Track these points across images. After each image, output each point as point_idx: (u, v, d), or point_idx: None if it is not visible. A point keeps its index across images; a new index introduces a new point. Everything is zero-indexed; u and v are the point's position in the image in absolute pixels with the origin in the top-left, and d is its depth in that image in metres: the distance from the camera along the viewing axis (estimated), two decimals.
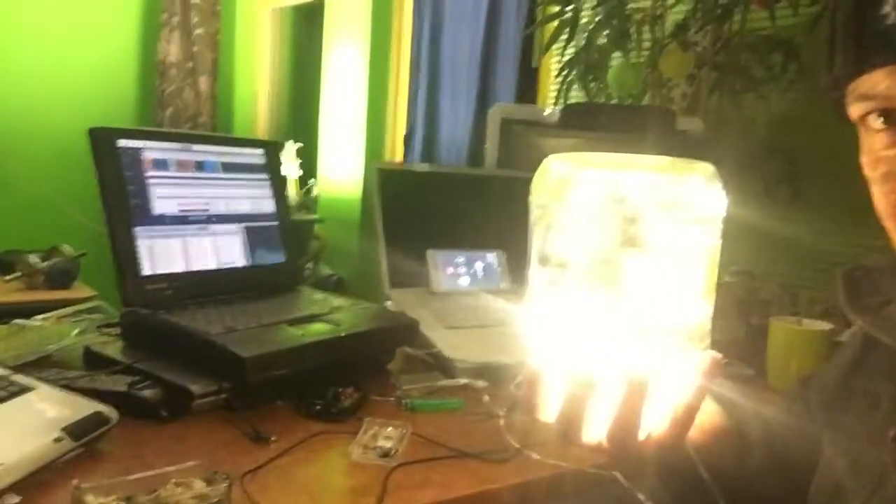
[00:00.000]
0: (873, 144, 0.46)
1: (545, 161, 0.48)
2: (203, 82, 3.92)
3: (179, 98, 3.86)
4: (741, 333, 1.60)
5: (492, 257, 1.37)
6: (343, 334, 0.95)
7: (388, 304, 1.22)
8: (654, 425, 0.46)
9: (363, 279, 2.61)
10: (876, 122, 0.45)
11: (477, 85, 3.30)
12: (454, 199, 1.39)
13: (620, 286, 0.43)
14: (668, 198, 0.44)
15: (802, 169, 1.86)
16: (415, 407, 0.91)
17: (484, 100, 3.30)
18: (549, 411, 0.46)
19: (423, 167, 1.37)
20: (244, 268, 1.12)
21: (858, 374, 0.58)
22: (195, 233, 1.07)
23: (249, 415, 0.82)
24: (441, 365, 1.07)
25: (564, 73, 1.79)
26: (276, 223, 1.20)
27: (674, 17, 1.90)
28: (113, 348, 0.95)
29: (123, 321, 0.97)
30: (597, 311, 0.43)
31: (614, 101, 1.88)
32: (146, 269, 0.98)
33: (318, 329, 0.95)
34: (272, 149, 1.23)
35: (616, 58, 1.86)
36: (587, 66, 1.74)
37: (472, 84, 3.35)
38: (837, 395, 0.58)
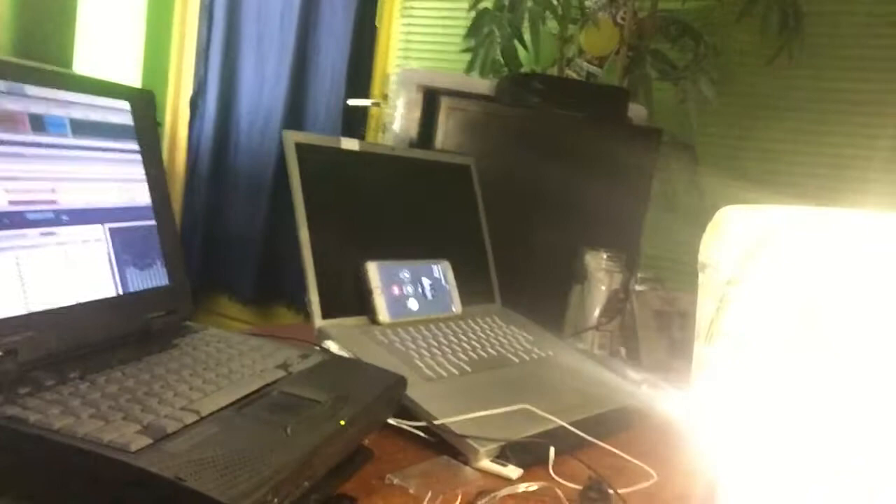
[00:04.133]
0: None
1: (723, 213, 0.41)
2: None
3: None
4: (662, 351, 1.45)
5: (438, 270, 1.06)
6: (344, 423, 0.59)
7: (329, 345, 0.86)
8: None
9: None
10: None
11: (294, 39, 2.87)
12: (389, 191, 1.05)
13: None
14: None
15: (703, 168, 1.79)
16: None
17: (303, 58, 2.89)
18: None
19: (352, 144, 1.01)
20: (114, 300, 0.69)
21: None
22: (37, 242, 0.62)
23: None
24: (441, 443, 0.75)
25: (473, 37, 1.51)
26: (152, 222, 0.78)
27: None
28: None
29: None
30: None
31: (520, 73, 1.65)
32: None
33: (309, 420, 0.58)
34: (144, 103, 0.79)
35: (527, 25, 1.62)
36: (504, 27, 1.47)
37: (287, 37, 2.91)
38: None
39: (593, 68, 1.69)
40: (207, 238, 3.21)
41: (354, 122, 2.80)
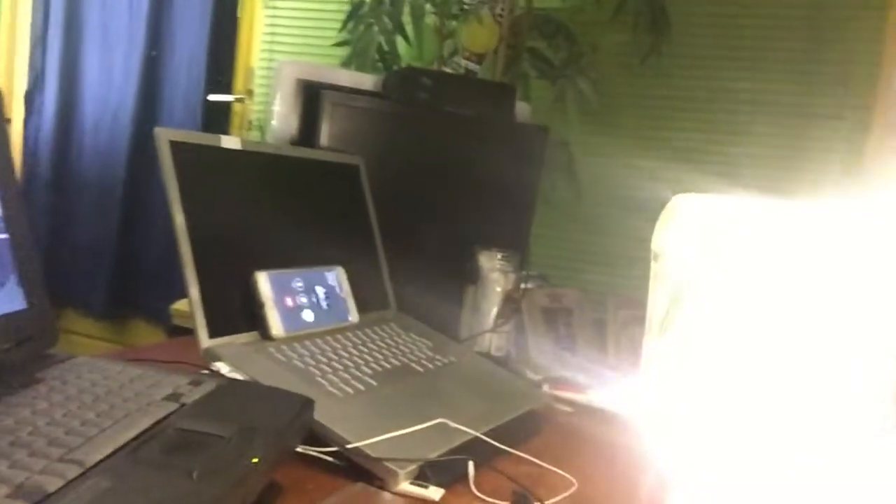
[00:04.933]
0: None
1: (675, 202, 0.42)
2: None
3: None
4: (550, 349, 1.46)
5: (332, 277, 1.00)
6: (257, 461, 0.52)
7: (220, 368, 0.77)
8: None
9: None
10: None
11: (144, 28, 2.67)
12: (275, 194, 0.98)
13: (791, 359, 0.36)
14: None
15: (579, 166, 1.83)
16: None
17: (155, 49, 2.70)
18: None
19: (233, 142, 0.92)
20: None
21: None
22: None
23: None
24: (353, 467, 0.70)
25: (350, 31, 1.45)
26: (3, 236, 0.67)
27: None
28: None
29: None
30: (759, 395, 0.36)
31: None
32: None
33: (216, 461, 0.50)
34: None
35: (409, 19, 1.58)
36: (382, 21, 1.42)
37: (137, 26, 2.71)
38: None
39: (472, 65, 1.68)
40: (50, 249, 2.93)
41: (217, 119, 2.64)
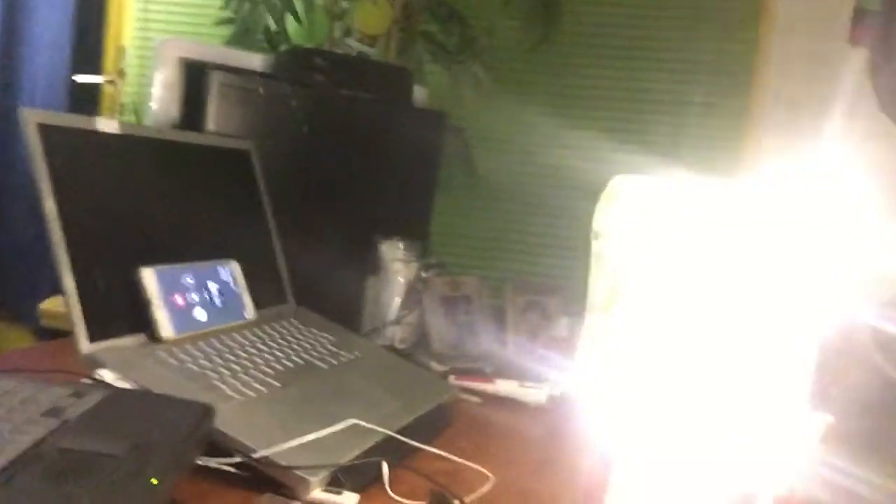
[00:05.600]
0: None
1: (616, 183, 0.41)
2: None
3: None
4: (451, 337, 1.46)
5: (225, 272, 0.93)
6: (157, 481, 0.47)
7: (104, 375, 0.70)
8: None
9: None
10: None
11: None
12: (160, 182, 0.90)
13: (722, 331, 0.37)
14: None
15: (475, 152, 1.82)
16: None
17: (11, 27, 2.47)
18: None
19: (110, 126, 0.84)
20: None
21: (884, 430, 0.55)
22: None
23: None
24: (258, 477, 0.65)
25: (234, 9, 1.36)
26: None
27: None
28: None
29: None
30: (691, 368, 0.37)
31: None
32: None
33: (109, 485, 0.45)
34: None
35: None
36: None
37: None
38: (881, 451, 0.53)
39: (365, 48, 1.63)
40: None
41: (84, 101, 2.45)
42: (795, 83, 1.60)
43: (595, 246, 0.41)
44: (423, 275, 1.52)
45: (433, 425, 0.85)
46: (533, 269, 1.96)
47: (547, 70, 1.87)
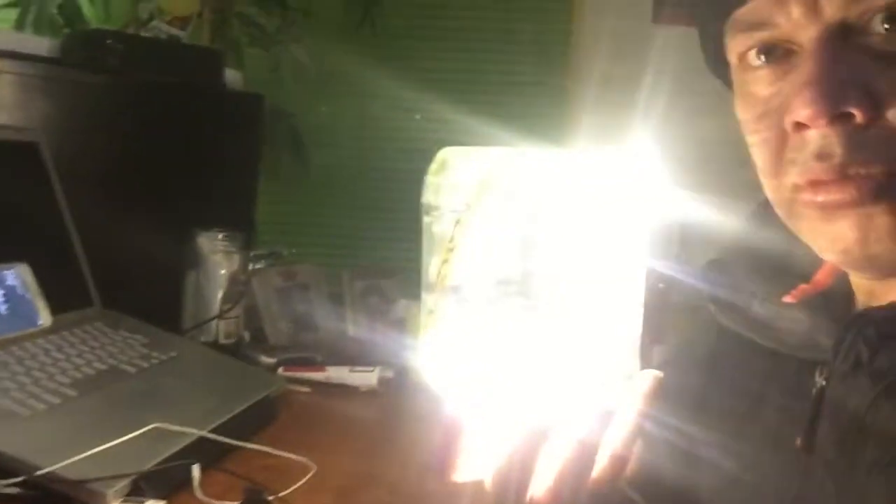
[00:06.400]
0: (751, 84, 0.44)
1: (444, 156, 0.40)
2: None
3: None
4: (287, 329, 1.43)
5: (12, 276, 0.85)
6: None
7: None
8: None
9: None
10: (756, 60, 0.44)
11: None
12: None
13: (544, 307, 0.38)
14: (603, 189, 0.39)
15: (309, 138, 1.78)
16: None
17: None
18: (472, 471, 0.40)
19: None
20: None
21: (722, 383, 0.55)
22: None
23: None
24: (47, 497, 0.59)
25: None
26: None
27: None
28: None
29: None
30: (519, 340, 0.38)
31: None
32: None
33: None
34: None
35: None
36: None
37: None
38: (710, 406, 0.55)
39: (175, 31, 1.54)
40: None
41: None
42: (606, 61, 1.68)
43: (425, 220, 0.39)
44: (255, 265, 1.47)
45: (256, 421, 0.82)
46: (374, 254, 1.95)
47: (375, 52, 1.86)
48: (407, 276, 1.56)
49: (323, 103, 1.82)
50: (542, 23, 1.96)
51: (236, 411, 0.79)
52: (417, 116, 1.95)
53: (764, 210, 0.50)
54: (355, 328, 1.48)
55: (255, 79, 1.69)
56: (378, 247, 1.94)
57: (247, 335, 1.26)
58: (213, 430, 0.72)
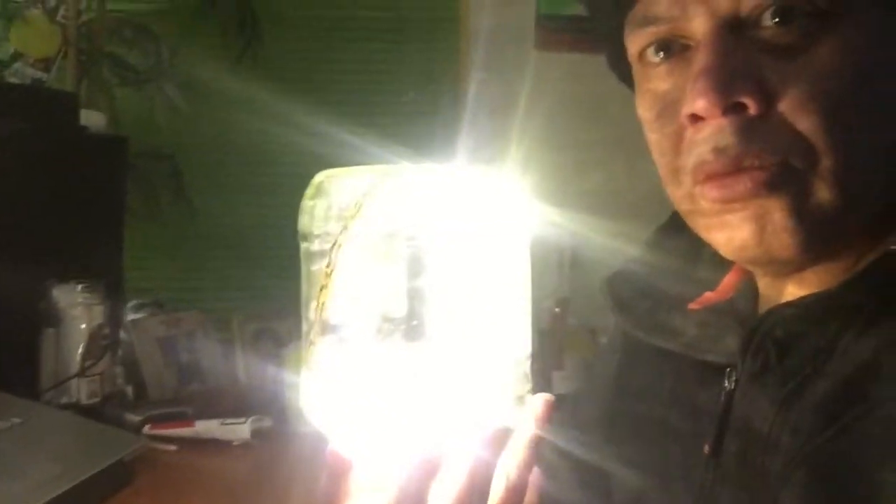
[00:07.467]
0: (651, 81, 0.45)
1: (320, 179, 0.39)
2: None
3: None
4: (172, 380, 1.37)
5: None
6: None
7: None
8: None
9: None
10: (654, 57, 0.45)
11: None
12: None
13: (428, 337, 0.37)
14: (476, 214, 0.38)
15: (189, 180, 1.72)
16: None
17: None
18: None
19: None
20: None
21: (631, 393, 0.55)
22: None
23: None
24: None
25: None
26: None
27: None
28: None
29: None
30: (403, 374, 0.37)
31: None
32: None
33: None
34: None
35: None
36: None
37: None
38: (620, 420, 0.55)
39: (39, 73, 1.47)
40: None
41: None
42: (493, 87, 1.70)
43: (303, 247, 0.38)
44: (132, 316, 1.40)
45: (105, 487, 0.76)
46: (267, 293, 1.89)
47: (257, 83, 1.82)
48: (301, 316, 1.51)
49: (204, 142, 1.76)
50: (428, 51, 1.97)
51: (81, 479, 0.73)
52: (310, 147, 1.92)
53: (666, 227, 0.51)
54: (247, 375, 1.42)
55: (136, 120, 1.63)
56: (273, 286, 1.89)
57: (129, 390, 1.19)
58: (52, 501, 0.66)
